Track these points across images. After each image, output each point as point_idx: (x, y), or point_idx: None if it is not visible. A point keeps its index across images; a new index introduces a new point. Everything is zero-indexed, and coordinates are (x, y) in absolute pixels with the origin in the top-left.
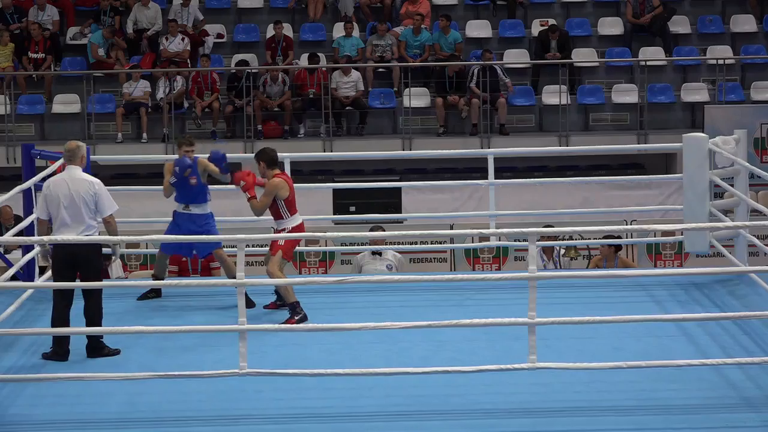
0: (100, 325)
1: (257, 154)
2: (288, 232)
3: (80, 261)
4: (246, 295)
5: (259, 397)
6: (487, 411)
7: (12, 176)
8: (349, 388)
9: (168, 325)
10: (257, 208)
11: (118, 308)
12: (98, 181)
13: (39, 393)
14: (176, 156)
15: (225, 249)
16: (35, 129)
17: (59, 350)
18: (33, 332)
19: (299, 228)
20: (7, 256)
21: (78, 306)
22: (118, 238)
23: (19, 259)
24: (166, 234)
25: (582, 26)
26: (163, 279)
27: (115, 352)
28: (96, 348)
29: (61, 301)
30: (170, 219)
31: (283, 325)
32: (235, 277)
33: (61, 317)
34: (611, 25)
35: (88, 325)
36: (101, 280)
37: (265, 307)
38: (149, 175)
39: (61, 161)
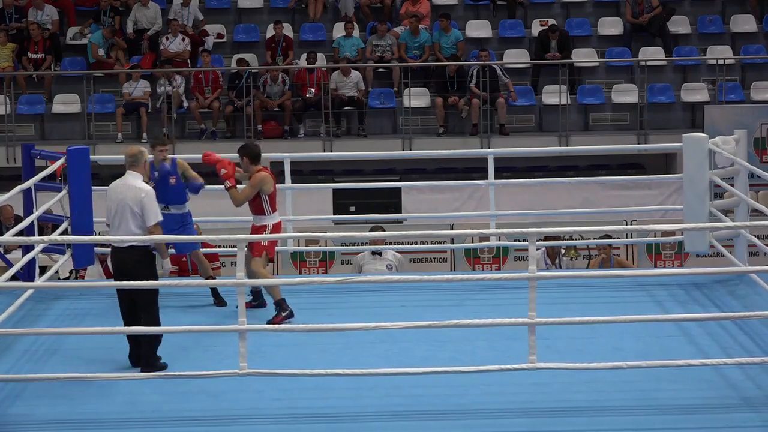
0: (153, 341)
1: (241, 148)
2: (270, 229)
3: (125, 271)
4: (218, 293)
5: (259, 397)
6: (487, 411)
7: (12, 176)
8: (349, 389)
9: (168, 325)
10: (238, 198)
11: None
12: (149, 189)
13: (39, 393)
14: (157, 155)
15: (225, 248)
16: (35, 129)
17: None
18: (33, 332)
19: (279, 226)
20: (7, 256)
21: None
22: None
23: (19, 259)
24: None
25: (582, 26)
26: None
27: (162, 366)
28: (147, 358)
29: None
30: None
31: (282, 326)
32: (210, 277)
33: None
34: (611, 25)
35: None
36: (153, 295)
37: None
38: None
39: (60, 162)
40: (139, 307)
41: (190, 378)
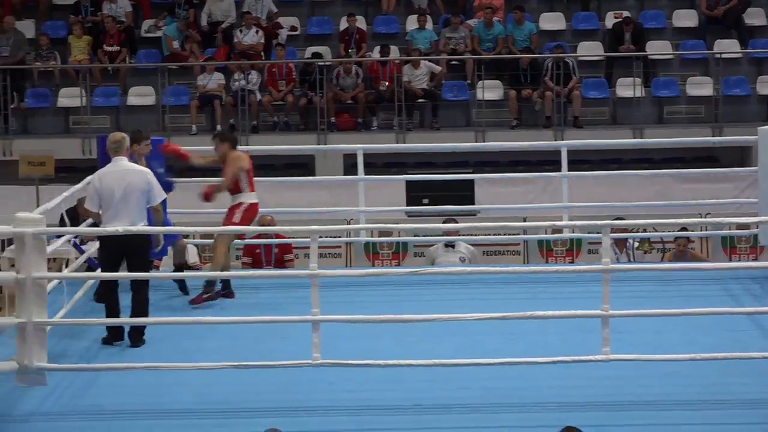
0: (147, 316)
1: (222, 135)
2: (245, 207)
3: (131, 251)
4: (185, 284)
5: (332, 388)
6: (560, 404)
7: (88, 168)
8: (422, 380)
9: (241, 316)
10: (225, 183)
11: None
12: (148, 170)
13: (112, 382)
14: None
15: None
16: (111, 121)
17: (114, 336)
18: (98, 322)
19: (255, 206)
20: (83, 246)
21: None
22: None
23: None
24: None
25: (656, 18)
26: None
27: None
28: (139, 339)
29: (113, 290)
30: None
31: (355, 317)
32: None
33: (114, 303)
34: (686, 18)
35: (135, 316)
36: (149, 270)
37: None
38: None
39: None
40: (141, 287)
41: (263, 368)
